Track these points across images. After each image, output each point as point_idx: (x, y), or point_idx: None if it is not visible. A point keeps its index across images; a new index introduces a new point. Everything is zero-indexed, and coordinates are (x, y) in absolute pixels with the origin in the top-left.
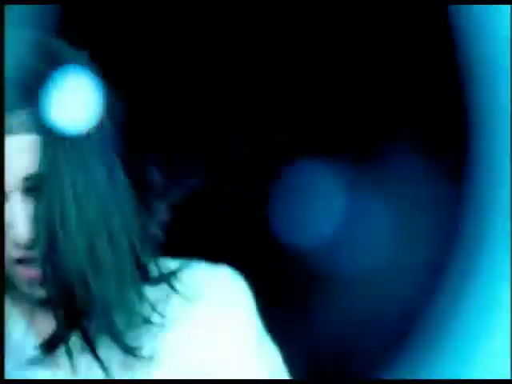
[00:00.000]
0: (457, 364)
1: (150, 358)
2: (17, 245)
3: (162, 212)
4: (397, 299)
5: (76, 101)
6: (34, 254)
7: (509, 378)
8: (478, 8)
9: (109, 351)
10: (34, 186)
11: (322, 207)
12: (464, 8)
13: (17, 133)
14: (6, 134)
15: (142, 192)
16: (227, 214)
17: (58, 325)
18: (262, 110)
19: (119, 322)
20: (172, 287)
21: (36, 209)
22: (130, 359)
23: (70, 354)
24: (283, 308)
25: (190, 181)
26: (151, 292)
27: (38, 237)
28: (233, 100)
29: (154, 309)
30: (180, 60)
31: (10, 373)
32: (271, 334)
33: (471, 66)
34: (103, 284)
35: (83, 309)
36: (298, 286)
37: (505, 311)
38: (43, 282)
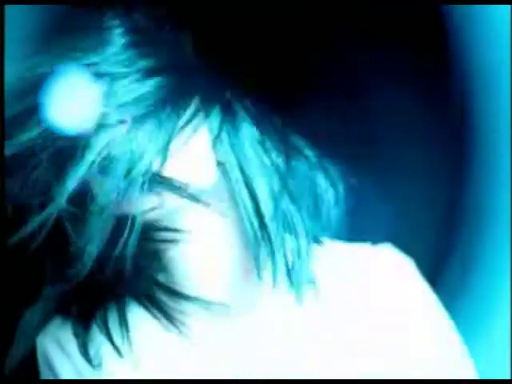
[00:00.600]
0: None
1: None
2: None
3: None
4: None
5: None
6: None
7: (509, 377)
8: (476, 8)
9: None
10: None
11: None
12: (462, 8)
13: None
14: None
15: None
16: None
17: None
18: None
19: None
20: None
21: None
22: None
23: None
24: None
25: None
26: None
27: None
28: None
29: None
30: None
31: None
32: None
33: (471, 66)
34: None
35: None
36: None
37: (505, 309)
38: None
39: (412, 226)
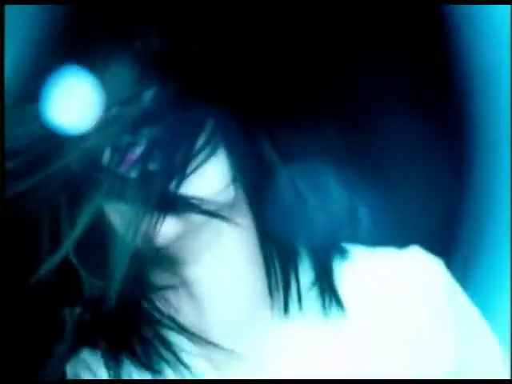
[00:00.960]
0: None
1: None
2: None
3: None
4: None
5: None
6: None
7: (509, 377)
8: (476, 8)
9: None
10: None
11: None
12: (462, 8)
13: None
14: None
15: None
16: None
17: None
18: None
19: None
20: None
21: None
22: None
23: None
24: None
25: None
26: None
27: None
28: None
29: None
30: None
31: None
32: None
33: (471, 66)
34: None
35: None
36: None
37: (505, 309)
38: None
39: (414, 226)
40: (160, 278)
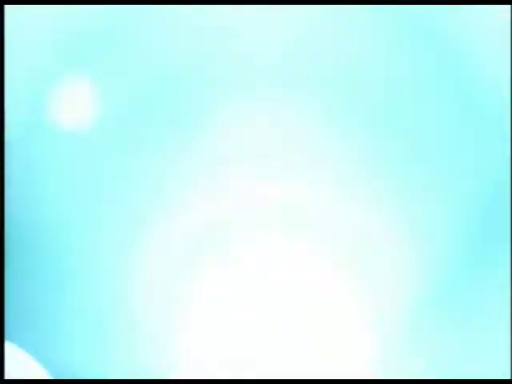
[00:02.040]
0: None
1: None
2: None
3: None
4: None
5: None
6: None
7: (509, 377)
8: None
9: None
10: None
11: None
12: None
13: None
14: None
15: None
16: None
17: None
18: None
19: None
20: None
21: None
22: None
23: None
24: None
25: None
26: None
27: None
28: None
29: None
30: None
31: None
32: None
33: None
34: None
35: None
36: None
37: (504, 308)
38: None
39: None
40: None
